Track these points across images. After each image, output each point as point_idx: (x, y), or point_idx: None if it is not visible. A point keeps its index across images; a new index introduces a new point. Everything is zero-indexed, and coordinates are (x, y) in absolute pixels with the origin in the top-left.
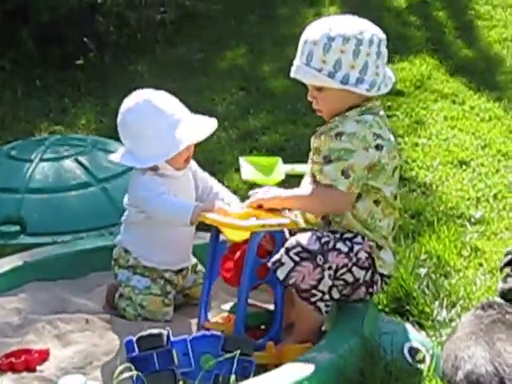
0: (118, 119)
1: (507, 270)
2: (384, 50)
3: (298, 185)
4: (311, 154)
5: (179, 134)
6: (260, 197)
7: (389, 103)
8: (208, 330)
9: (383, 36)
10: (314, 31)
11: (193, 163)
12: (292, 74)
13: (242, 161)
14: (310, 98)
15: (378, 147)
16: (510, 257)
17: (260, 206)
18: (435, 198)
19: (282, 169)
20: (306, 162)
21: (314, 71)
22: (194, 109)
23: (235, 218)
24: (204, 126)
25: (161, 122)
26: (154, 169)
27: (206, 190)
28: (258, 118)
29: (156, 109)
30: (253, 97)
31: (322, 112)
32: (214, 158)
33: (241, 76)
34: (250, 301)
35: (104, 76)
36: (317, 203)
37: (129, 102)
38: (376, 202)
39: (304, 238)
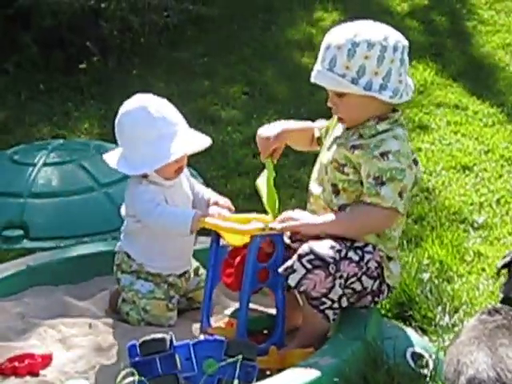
0: (116, 121)
1: (503, 272)
2: (407, 58)
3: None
4: (326, 159)
5: (170, 145)
6: (293, 224)
7: (396, 109)
8: (211, 334)
9: (406, 43)
10: (338, 36)
11: (186, 171)
12: (312, 79)
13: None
14: (330, 104)
15: (415, 161)
16: (507, 259)
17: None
18: (438, 203)
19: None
20: (308, 167)
21: (338, 77)
22: (197, 113)
23: (235, 223)
24: (197, 141)
25: (153, 132)
26: (144, 176)
27: (197, 195)
28: (261, 123)
29: (151, 117)
30: (256, 101)
31: (343, 120)
32: (217, 162)
33: (244, 80)
34: (251, 305)
35: (107, 80)
36: (367, 225)
37: (127, 106)
38: None
39: (317, 246)
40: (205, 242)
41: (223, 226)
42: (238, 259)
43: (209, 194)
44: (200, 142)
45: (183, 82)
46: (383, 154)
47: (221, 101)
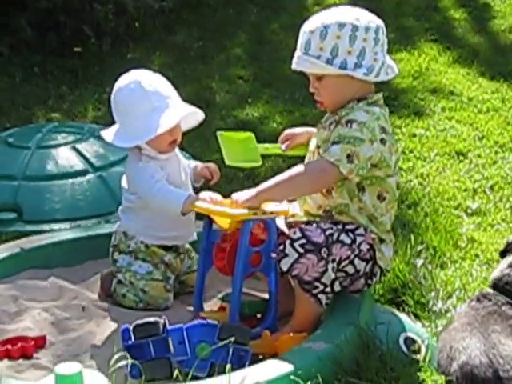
0: (112, 96)
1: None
2: (382, 38)
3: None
4: (313, 145)
5: (161, 118)
6: (243, 200)
7: (387, 94)
8: (204, 318)
9: (381, 23)
10: (311, 22)
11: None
12: (293, 66)
13: (220, 138)
14: (311, 89)
15: (383, 141)
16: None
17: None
18: (432, 189)
19: (257, 149)
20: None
21: (313, 59)
22: (192, 97)
23: (227, 206)
24: (190, 115)
25: (145, 105)
26: (138, 149)
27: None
28: (255, 108)
29: (143, 91)
30: (251, 86)
31: (324, 103)
32: (211, 147)
33: (239, 65)
34: (244, 290)
35: (102, 63)
36: (308, 177)
37: (121, 81)
38: (380, 198)
39: (309, 230)
40: (198, 225)
41: (215, 210)
42: (230, 243)
43: (195, 163)
44: (192, 114)
45: (178, 66)
46: (348, 122)
47: (215, 85)
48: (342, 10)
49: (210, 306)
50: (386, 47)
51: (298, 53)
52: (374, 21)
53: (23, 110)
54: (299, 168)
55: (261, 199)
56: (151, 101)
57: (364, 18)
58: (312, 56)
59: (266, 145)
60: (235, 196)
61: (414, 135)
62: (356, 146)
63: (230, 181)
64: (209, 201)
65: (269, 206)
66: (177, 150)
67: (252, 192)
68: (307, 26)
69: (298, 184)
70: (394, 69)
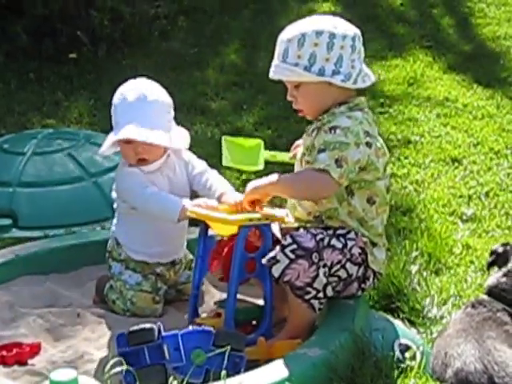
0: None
1: (493, 270)
2: (359, 46)
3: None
4: (300, 153)
5: (122, 129)
6: (250, 188)
7: (381, 100)
8: (199, 325)
9: (358, 32)
10: (289, 30)
11: (189, 156)
12: (271, 75)
13: (224, 143)
14: (289, 98)
15: (368, 144)
16: (493, 257)
17: (252, 202)
18: (427, 195)
19: (262, 155)
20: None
21: (290, 66)
22: (187, 103)
23: (223, 213)
24: (159, 135)
25: (129, 114)
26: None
27: (200, 183)
28: (250, 114)
29: (147, 102)
30: (246, 92)
31: (303, 111)
32: (206, 152)
33: (234, 71)
34: (239, 296)
35: (97, 70)
36: (303, 186)
37: (124, 87)
38: (369, 201)
39: (299, 236)
40: (194, 232)
41: (211, 216)
42: (226, 249)
43: (222, 188)
44: (160, 137)
45: (173, 73)
46: (331, 128)
47: (211, 91)
48: (320, 18)
49: (205, 311)
50: (362, 55)
51: (275, 61)
52: (351, 29)
53: (19, 117)
54: (297, 175)
55: (259, 193)
56: (132, 114)
57: (341, 26)
58: (290, 64)
59: (274, 152)
60: (251, 184)
61: (409, 142)
62: (343, 150)
63: None
64: (204, 207)
65: (265, 212)
66: (178, 169)
67: (249, 186)
68: (285, 35)
69: (294, 190)
70: (371, 77)
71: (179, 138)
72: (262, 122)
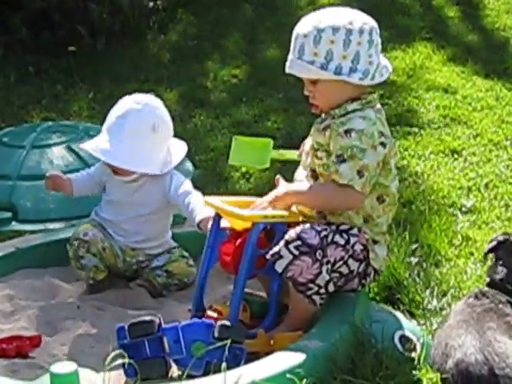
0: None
1: (491, 256)
2: (376, 39)
3: (286, 172)
4: (308, 147)
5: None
6: (274, 194)
7: (381, 92)
8: (219, 312)
9: (374, 24)
10: (304, 25)
11: (175, 176)
12: (287, 70)
13: (234, 142)
14: (306, 93)
15: (383, 145)
16: (493, 243)
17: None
18: (427, 187)
19: (270, 154)
20: (298, 150)
21: (307, 64)
22: (187, 96)
23: (237, 207)
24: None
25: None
26: None
27: (183, 203)
28: (250, 106)
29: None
30: (245, 85)
31: (319, 106)
32: (206, 145)
33: (234, 64)
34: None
35: (97, 63)
36: (335, 201)
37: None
38: (379, 199)
39: (303, 232)
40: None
41: (225, 209)
42: (238, 241)
43: (203, 214)
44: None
45: (173, 65)
46: (347, 132)
47: (210, 84)
48: (336, 11)
49: (209, 302)
50: (379, 47)
51: (291, 56)
52: (368, 22)
53: (18, 110)
54: (322, 189)
55: (288, 199)
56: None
57: (357, 20)
58: (306, 61)
59: (283, 151)
60: (274, 192)
61: (409, 133)
62: (362, 158)
63: (224, 179)
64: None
65: (279, 209)
66: (149, 186)
67: (282, 189)
68: (300, 29)
69: (325, 205)
70: (389, 68)
71: (156, 161)
72: (261, 114)
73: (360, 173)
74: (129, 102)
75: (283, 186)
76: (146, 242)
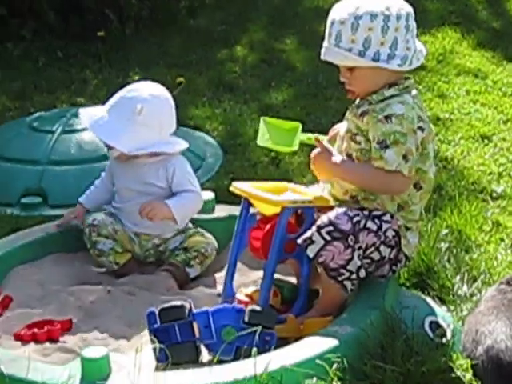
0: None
1: None
2: (413, 24)
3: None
4: (343, 131)
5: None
6: (323, 155)
7: (410, 77)
8: (250, 297)
9: (410, 9)
10: (340, 11)
11: (180, 173)
12: (322, 57)
13: (263, 123)
14: (342, 79)
15: (421, 129)
16: None
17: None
18: (457, 173)
19: (299, 137)
20: (327, 135)
21: (344, 51)
22: (215, 81)
23: (268, 192)
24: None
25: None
26: None
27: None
28: (279, 91)
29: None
30: (274, 70)
31: (355, 93)
32: (235, 130)
33: (262, 48)
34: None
35: (125, 48)
36: (378, 185)
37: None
38: (416, 186)
39: (336, 217)
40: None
41: (254, 194)
42: (267, 226)
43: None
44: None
45: (201, 50)
46: (387, 117)
47: (239, 69)
48: None
49: (239, 287)
50: (415, 32)
51: (326, 43)
52: (404, 7)
53: (47, 95)
54: (371, 175)
55: (336, 172)
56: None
57: (394, 6)
58: (343, 49)
59: (311, 135)
60: (319, 157)
61: (439, 119)
62: (404, 142)
63: (253, 165)
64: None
65: (309, 194)
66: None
67: (337, 158)
68: (336, 16)
69: (374, 186)
70: (423, 52)
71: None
72: (290, 99)
73: (405, 157)
74: (136, 85)
75: (324, 155)
76: (157, 227)
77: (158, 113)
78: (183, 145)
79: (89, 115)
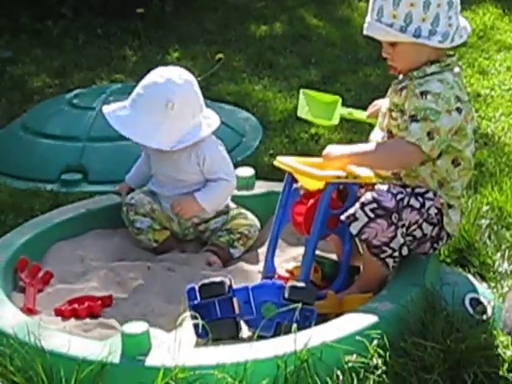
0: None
1: None
2: (456, 0)
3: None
4: (385, 107)
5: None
6: (328, 153)
7: (450, 53)
8: (291, 273)
9: None
10: None
11: (210, 160)
12: (365, 32)
13: (303, 95)
14: (384, 55)
15: (459, 110)
16: None
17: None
18: (497, 149)
19: (339, 111)
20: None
21: (386, 27)
22: (255, 57)
23: (312, 167)
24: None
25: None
26: None
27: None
28: (319, 68)
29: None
30: (314, 46)
31: (397, 68)
32: (274, 107)
33: (302, 25)
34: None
35: (164, 25)
36: (393, 159)
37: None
38: (454, 163)
39: (380, 195)
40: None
41: (299, 169)
42: (311, 201)
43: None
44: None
45: (241, 27)
46: (423, 93)
47: (278, 45)
48: None
49: (280, 263)
50: (459, 8)
51: (369, 18)
52: None
53: (87, 72)
54: (385, 145)
55: (347, 161)
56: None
57: None
58: (385, 24)
59: (352, 110)
60: (329, 148)
61: (479, 95)
62: (435, 120)
63: (293, 141)
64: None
65: (353, 170)
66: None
67: (337, 151)
68: None
69: (380, 160)
70: (468, 29)
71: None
72: (330, 75)
73: (430, 134)
74: (155, 75)
75: (338, 148)
76: None
77: (187, 101)
78: (216, 122)
79: (118, 118)
